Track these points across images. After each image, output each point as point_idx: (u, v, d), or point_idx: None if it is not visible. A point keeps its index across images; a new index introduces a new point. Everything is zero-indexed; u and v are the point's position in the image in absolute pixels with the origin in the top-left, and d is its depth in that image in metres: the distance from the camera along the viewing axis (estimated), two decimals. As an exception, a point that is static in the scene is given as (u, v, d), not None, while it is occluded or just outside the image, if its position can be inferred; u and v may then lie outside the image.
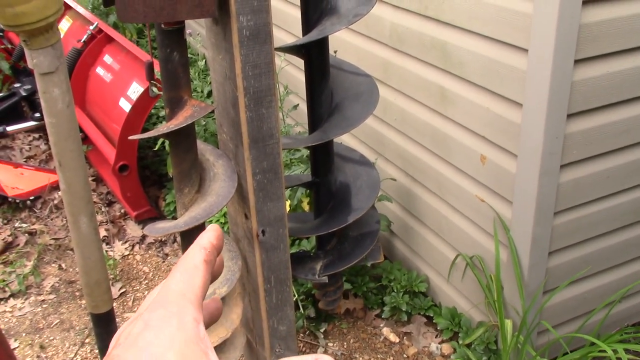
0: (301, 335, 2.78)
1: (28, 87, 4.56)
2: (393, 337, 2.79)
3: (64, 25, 4.42)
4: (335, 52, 2.34)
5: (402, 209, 2.98)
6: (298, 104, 3.19)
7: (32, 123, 4.54)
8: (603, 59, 2.06)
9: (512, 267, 2.31)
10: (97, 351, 2.76)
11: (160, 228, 1.99)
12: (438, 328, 2.77)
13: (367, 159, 2.49)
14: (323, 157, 2.33)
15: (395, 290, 2.87)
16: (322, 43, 2.12)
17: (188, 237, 2.04)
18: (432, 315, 2.83)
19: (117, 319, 2.56)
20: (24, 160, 4.33)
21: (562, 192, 2.21)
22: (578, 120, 2.12)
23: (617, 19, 1.99)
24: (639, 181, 2.38)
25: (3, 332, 2.39)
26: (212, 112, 2.60)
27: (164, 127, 1.81)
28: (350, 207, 2.35)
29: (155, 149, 3.34)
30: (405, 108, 2.73)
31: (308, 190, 2.85)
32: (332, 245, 2.50)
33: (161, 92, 3.37)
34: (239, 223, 2.18)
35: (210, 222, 3.17)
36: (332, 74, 2.25)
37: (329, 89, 2.24)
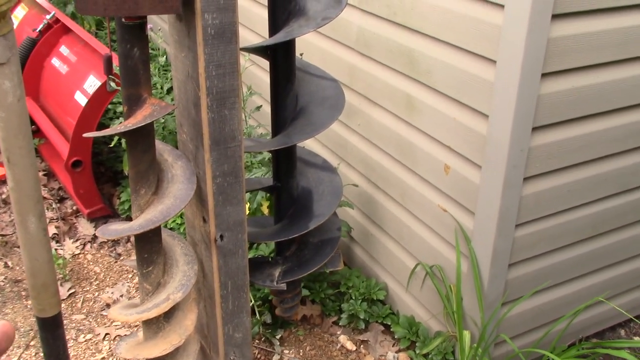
0: (256, 341, 2.72)
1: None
2: (350, 345, 2.75)
3: (19, 13, 4.26)
4: (301, 54, 2.30)
5: (363, 215, 2.94)
6: (261, 105, 3.13)
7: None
8: (569, 74, 2.06)
9: (472, 278, 2.30)
10: (42, 355, 2.65)
11: (114, 230, 1.91)
12: (395, 337, 2.75)
13: (330, 164, 2.45)
14: (285, 161, 2.27)
15: (354, 298, 2.83)
16: (289, 45, 2.07)
17: (143, 240, 1.96)
18: (389, 323, 2.80)
19: (64, 321, 2.47)
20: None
21: (524, 205, 2.21)
22: (542, 134, 2.12)
23: (585, 35, 2.00)
24: (598, 195, 2.40)
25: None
26: (172, 110, 2.51)
27: (121, 126, 1.73)
28: (311, 213, 2.30)
29: (111, 145, 3.24)
30: (370, 114, 2.70)
31: (268, 194, 2.79)
32: (291, 251, 2.45)
33: (119, 88, 3.27)
34: (197, 226, 2.11)
35: (166, 225, 3.08)
36: (297, 76, 2.19)
37: (294, 92, 2.19)
